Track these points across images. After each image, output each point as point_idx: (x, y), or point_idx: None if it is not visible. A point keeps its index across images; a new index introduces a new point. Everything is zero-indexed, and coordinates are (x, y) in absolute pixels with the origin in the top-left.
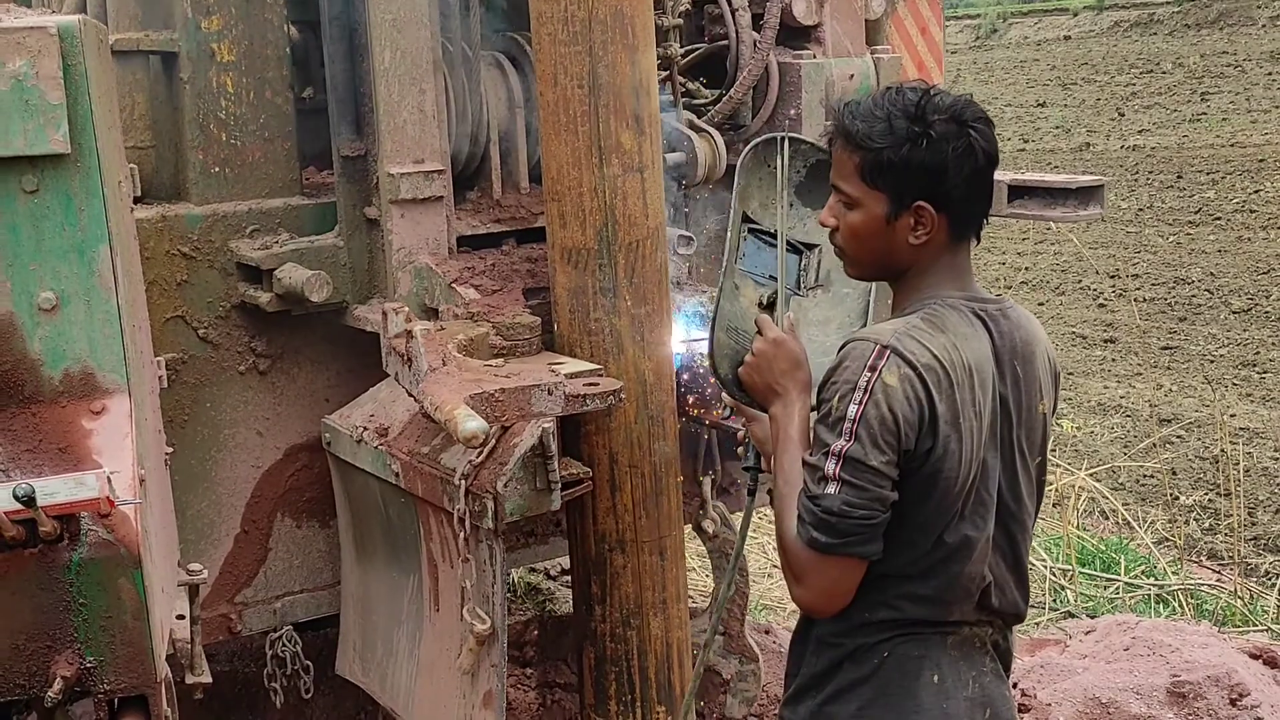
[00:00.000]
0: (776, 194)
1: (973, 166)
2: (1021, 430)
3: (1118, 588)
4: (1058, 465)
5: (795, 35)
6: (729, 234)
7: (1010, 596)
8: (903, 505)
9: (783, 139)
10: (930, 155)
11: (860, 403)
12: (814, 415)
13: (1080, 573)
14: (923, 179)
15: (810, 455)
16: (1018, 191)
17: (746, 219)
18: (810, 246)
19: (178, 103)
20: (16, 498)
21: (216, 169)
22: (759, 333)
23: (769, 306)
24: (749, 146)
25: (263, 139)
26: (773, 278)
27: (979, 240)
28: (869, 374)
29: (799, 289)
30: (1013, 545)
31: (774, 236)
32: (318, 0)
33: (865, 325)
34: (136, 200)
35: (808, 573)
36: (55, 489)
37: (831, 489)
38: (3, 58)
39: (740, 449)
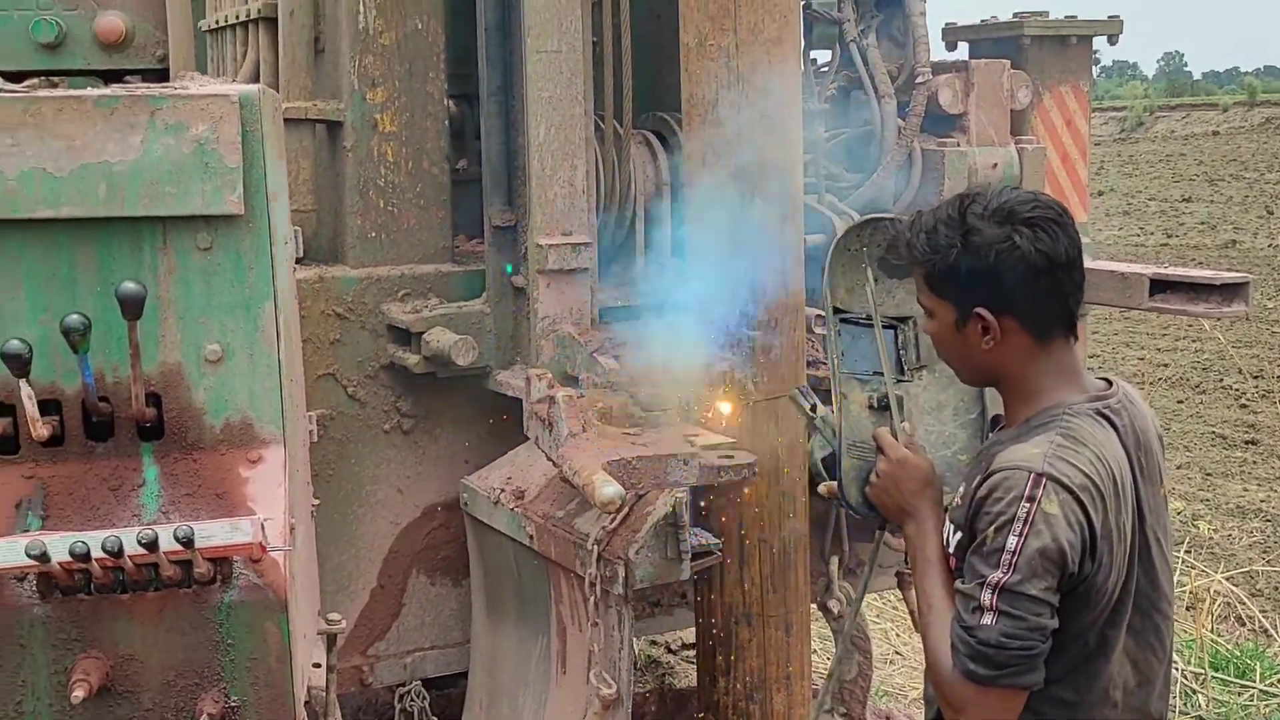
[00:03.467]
0: (862, 273)
1: (1027, 268)
2: (1154, 519)
3: (1252, 695)
4: (1193, 566)
5: (940, 122)
6: (828, 335)
7: (1160, 690)
8: (1059, 619)
9: (863, 221)
10: (973, 261)
11: (1021, 534)
12: (952, 531)
13: (1213, 677)
14: (973, 285)
15: (964, 584)
16: (1160, 285)
17: (837, 310)
18: (904, 320)
19: (340, 169)
20: (176, 539)
21: (373, 234)
22: (880, 450)
23: (881, 407)
24: (834, 241)
25: (418, 207)
26: (877, 373)
27: (1077, 338)
28: (1027, 504)
29: (903, 373)
30: (1159, 635)
31: (866, 321)
32: (477, 76)
33: (983, 410)
34: (298, 261)
35: (967, 705)
36: (212, 533)
37: (988, 620)
38: (187, 122)
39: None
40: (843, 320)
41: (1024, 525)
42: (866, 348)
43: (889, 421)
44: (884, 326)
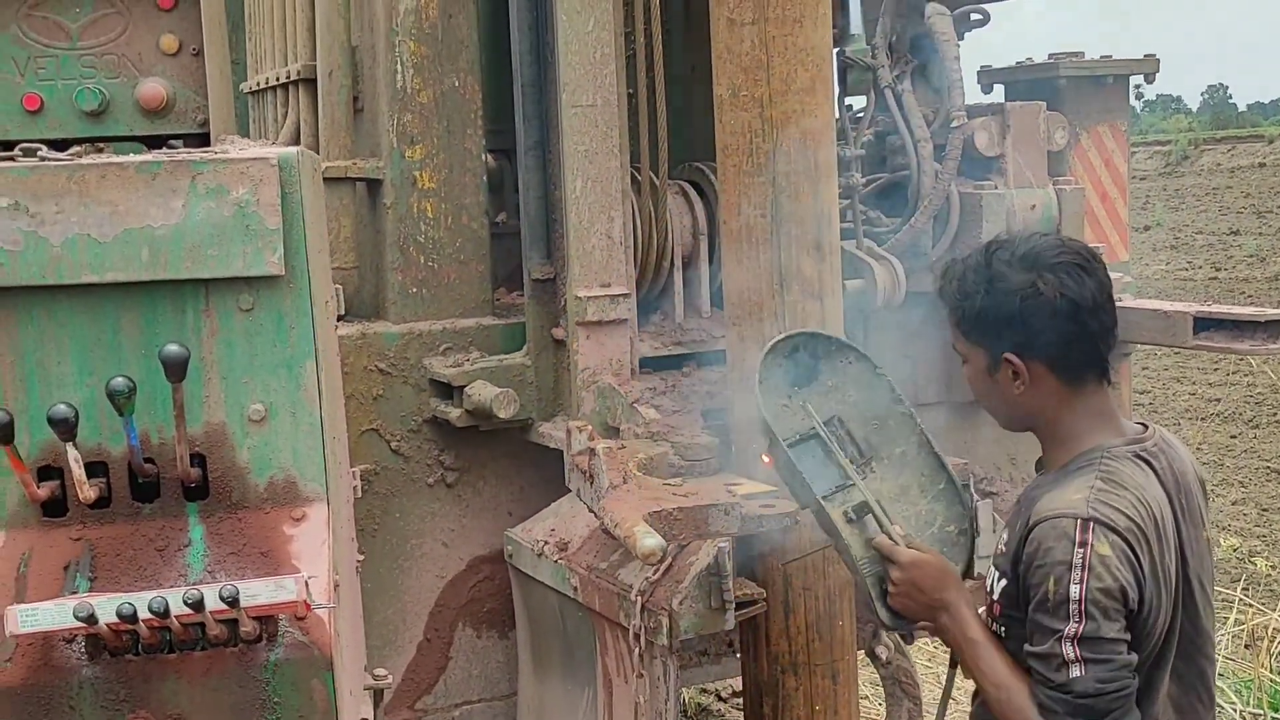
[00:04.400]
0: (782, 396)
1: (1051, 313)
2: (1197, 562)
3: None
4: (1250, 604)
5: (977, 166)
6: (789, 474)
7: None
8: None
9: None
10: (999, 306)
11: (1081, 581)
12: (996, 578)
13: (1273, 718)
14: (1001, 330)
15: (1037, 646)
16: (1204, 323)
17: (778, 442)
18: (827, 422)
19: (380, 226)
20: (221, 598)
21: (414, 289)
22: (886, 560)
23: (858, 519)
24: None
25: (458, 261)
26: (839, 487)
27: (1111, 382)
28: (1081, 550)
29: (860, 473)
30: (1204, 680)
31: (800, 439)
32: (514, 131)
33: (946, 473)
34: (340, 318)
35: None
36: (256, 591)
37: (1077, 671)
38: (228, 186)
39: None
40: (788, 446)
41: (1083, 571)
42: (817, 466)
43: (869, 529)
44: (812, 436)
